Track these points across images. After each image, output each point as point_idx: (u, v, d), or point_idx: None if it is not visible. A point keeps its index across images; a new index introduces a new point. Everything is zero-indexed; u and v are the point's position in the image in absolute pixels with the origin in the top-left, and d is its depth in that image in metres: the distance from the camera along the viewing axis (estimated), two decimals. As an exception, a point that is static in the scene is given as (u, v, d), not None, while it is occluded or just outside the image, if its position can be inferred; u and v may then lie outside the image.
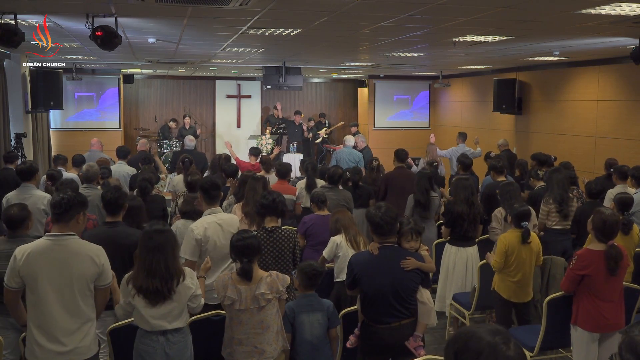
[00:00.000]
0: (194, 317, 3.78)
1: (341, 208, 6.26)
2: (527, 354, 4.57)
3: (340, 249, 4.90)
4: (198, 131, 14.18)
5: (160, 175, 8.09)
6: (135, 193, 5.97)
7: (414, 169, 9.20)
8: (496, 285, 4.91)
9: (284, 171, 6.95)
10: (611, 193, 6.26)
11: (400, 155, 7.58)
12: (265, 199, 4.60)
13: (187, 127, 13.84)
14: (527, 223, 4.78)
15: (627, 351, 1.83)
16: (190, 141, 9.75)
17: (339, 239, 4.92)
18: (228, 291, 3.56)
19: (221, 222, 4.48)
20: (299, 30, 6.55)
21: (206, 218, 4.51)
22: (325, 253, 4.94)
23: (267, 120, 14.50)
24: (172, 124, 13.81)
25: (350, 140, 9.79)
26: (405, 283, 3.65)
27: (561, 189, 5.94)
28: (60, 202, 3.33)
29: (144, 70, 14.13)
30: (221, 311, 3.97)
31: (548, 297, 4.45)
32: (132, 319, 3.61)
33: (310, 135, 14.26)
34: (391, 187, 7.22)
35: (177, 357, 3.48)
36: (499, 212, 5.70)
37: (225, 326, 3.68)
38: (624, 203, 5.25)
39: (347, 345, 3.94)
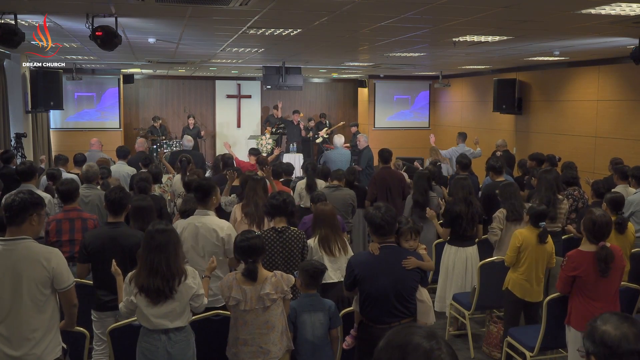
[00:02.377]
0: (194, 317, 3.78)
1: (345, 207, 6.31)
2: (527, 353, 4.57)
3: (315, 254, 4.73)
4: (202, 132, 14.25)
5: (168, 176, 8.07)
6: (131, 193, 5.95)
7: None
8: (509, 284, 4.90)
9: (278, 171, 6.99)
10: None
11: (385, 156, 7.59)
12: (275, 199, 4.60)
13: (191, 127, 13.90)
14: (544, 223, 4.79)
15: (587, 338, 1.86)
16: (188, 141, 9.75)
17: (312, 242, 4.78)
18: (233, 292, 3.56)
19: (200, 224, 4.44)
20: (299, 30, 6.55)
21: (189, 219, 4.53)
22: None
23: (267, 120, 14.51)
24: (155, 123, 13.98)
25: (339, 140, 9.79)
26: (407, 282, 3.65)
27: (549, 190, 5.90)
28: (11, 204, 3.18)
29: (144, 70, 14.14)
30: (221, 311, 3.97)
31: (548, 297, 4.46)
32: (133, 318, 3.61)
33: (310, 134, 14.26)
34: (378, 188, 7.25)
35: (179, 356, 3.48)
36: (500, 213, 5.68)
37: (230, 326, 3.67)
38: (615, 202, 5.26)
39: (344, 346, 3.94)
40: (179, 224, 4.49)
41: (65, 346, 3.43)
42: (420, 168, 9.57)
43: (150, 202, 4.96)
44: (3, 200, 3.28)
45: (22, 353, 3.14)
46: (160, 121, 14.34)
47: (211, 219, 4.52)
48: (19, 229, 3.20)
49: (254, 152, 8.94)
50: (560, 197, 6.03)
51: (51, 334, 3.25)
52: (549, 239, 4.89)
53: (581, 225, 4.16)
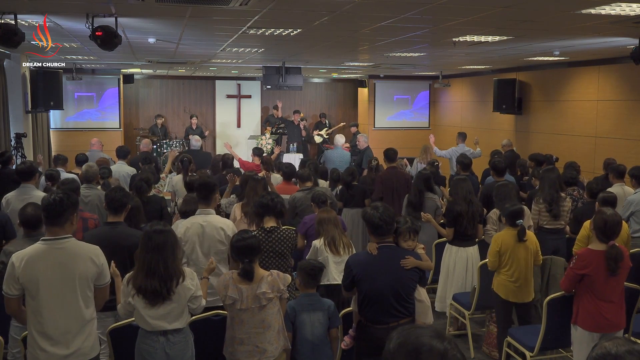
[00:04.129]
0: (194, 317, 3.78)
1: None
2: (527, 353, 4.57)
3: (320, 254, 4.86)
4: (206, 132, 14.25)
5: (161, 175, 8.08)
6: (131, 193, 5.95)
7: (409, 169, 9.18)
8: (495, 285, 4.92)
9: (289, 172, 6.96)
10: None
11: (390, 155, 7.59)
12: (264, 198, 4.61)
13: (194, 127, 13.91)
14: (521, 221, 4.78)
15: None
16: (196, 141, 9.75)
17: (318, 242, 4.89)
18: (229, 291, 3.56)
19: (205, 223, 4.44)
20: (299, 30, 6.55)
21: (192, 218, 4.50)
22: (307, 257, 4.94)
23: (267, 120, 14.51)
24: (158, 121, 13.98)
25: (340, 140, 9.78)
26: (405, 282, 3.65)
27: (552, 189, 5.93)
28: (53, 204, 3.25)
29: (144, 70, 14.14)
30: (221, 311, 3.97)
31: (548, 297, 4.45)
32: (133, 318, 3.61)
33: (304, 133, 14.28)
34: (384, 188, 7.24)
35: (178, 357, 3.48)
36: (493, 214, 5.71)
37: (227, 326, 3.68)
38: (607, 202, 5.27)
39: (342, 346, 3.94)
40: (182, 224, 4.48)
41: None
42: (408, 166, 9.53)
43: (139, 201, 4.98)
44: (42, 202, 3.34)
45: (76, 348, 3.24)
46: (163, 120, 14.34)
47: (216, 218, 4.55)
48: (62, 229, 3.29)
49: (257, 152, 8.93)
50: (563, 195, 6.07)
51: (95, 326, 3.39)
52: (531, 236, 4.89)
53: (591, 224, 4.17)
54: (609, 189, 6.42)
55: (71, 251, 3.27)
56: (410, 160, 10.28)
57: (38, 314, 3.21)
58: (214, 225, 4.46)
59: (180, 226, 4.40)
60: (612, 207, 5.26)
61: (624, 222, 5.34)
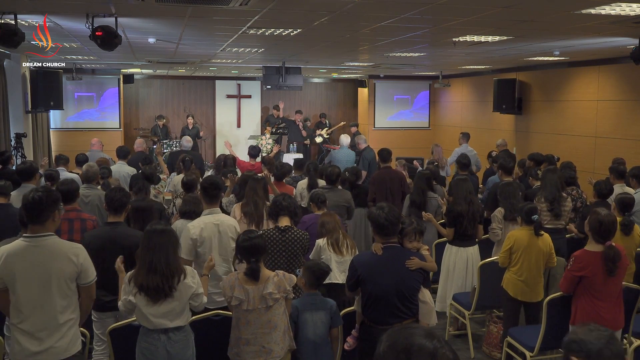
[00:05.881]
0: (194, 317, 3.78)
1: (339, 209, 6.29)
2: (527, 353, 4.57)
3: (323, 252, 4.88)
4: (201, 132, 14.24)
5: (162, 176, 8.08)
6: (133, 191, 5.92)
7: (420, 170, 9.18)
8: (504, 283, 4.92)
9: (279, 174, 7.03)
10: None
11: (384, 156, 7.60)
12: (278, 198, 4.67)
13: (190, 127, 13.89)
14: (537, 217, 4.79)
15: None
16: (187, 142, 9.77)
17: (322, 242, 4.91)
18: (235, 291, 3.55)
19: (219, 222, 4.45)
20: (299, 30, 6.55)
21: (204, 218, 4.48)
22: (311, 256, 4.95)
23: (267, 120, 14.51)
24: (159, 122, 13.98)
25: (345, 140, 9.79)
26: (409, 283, 3.65)
27: (554, 188, 5.94)
28: (32, 202, 3.24)
29: (144, 70, 14.14)
30: (221, 311, 3.97)
31: (548, 297, 4.46)
32: (133, 318, 3.61)
33: (304, 133, 14.29)
34: (377, 188, 7.24)
35: (179, 355, 3.49)
36: (498, 212, 5.71)
37: (232, 326, 3.66)
38: (624, 203, 5.26)
39: (345, 347, 3.94)
40: (194, 224, 4.41)
41: (84, 339, 3.53)
42: (420, 168, 9.56)
43: (150, 202, 4.96)
44: (23, 200, 3.33)
45: (49, 346, 3.24)
46: (165, 120, 14.34)
47: (226, 216, 4.59)
48: (43, 227, 3.28)
49: (253, 152, 8.94)
50: (564, 195, 6.07)
51: (75, 326, 3.38)
52: (547, 237, 4.89)
53: (586, 225, 4.16)
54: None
55: (50, 249, 3.26)
56: (420, 161, 10.28)
57: (17, 308, 3.25)
58: (227, 223, 4.50)
59: (194, 227, 4.34)
60: (628, 209, 5.26)
61: (636, 225, 5.34)
